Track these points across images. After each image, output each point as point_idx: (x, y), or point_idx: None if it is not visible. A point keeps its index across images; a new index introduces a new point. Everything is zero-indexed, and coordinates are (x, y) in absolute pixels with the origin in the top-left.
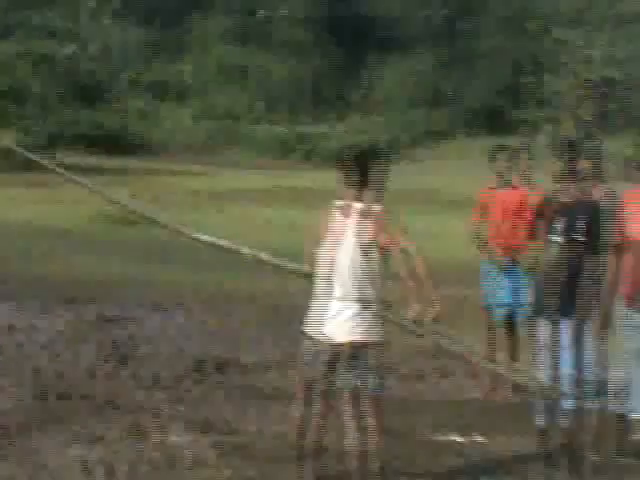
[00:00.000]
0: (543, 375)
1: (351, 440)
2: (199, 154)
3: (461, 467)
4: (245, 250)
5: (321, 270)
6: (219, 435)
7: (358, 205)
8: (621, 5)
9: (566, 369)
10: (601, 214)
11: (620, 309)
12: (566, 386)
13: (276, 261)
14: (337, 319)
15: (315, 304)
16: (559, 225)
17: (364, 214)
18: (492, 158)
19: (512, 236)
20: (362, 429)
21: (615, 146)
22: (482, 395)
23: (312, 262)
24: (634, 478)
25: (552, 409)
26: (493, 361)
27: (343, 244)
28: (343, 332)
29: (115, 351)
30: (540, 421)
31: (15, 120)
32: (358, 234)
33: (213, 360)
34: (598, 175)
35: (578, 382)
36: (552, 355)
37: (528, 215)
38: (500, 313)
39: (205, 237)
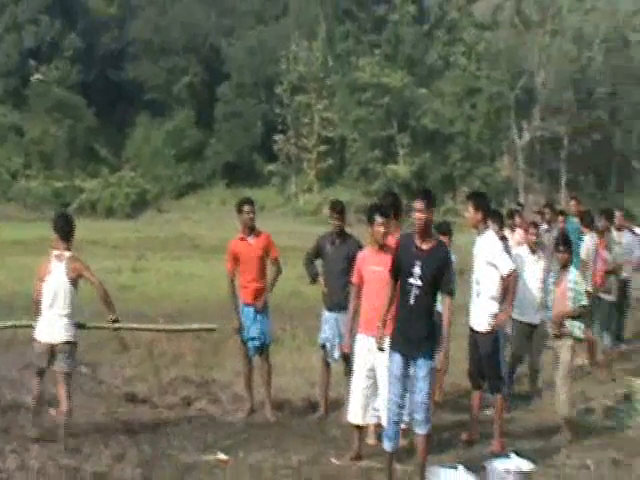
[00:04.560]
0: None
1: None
2: None
3: None
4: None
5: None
6: (1, 474)
7: (56, 252)
8: (352, 75)
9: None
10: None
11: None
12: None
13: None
14: (46, 326)
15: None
16: (416, 269)
17: (59, 258)
18: (239, 210)
19: (254, 280)
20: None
21: (347, 195)
22: (245, 416)
23: (39, 293)
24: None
25: None
26: (250, 384)
27: (50, 277)
28: (48, 334)
29: None
30: None
31: None
32: (58, 271)
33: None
34: None
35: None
36: (401, 386)
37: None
38: (251, 345)
39: None
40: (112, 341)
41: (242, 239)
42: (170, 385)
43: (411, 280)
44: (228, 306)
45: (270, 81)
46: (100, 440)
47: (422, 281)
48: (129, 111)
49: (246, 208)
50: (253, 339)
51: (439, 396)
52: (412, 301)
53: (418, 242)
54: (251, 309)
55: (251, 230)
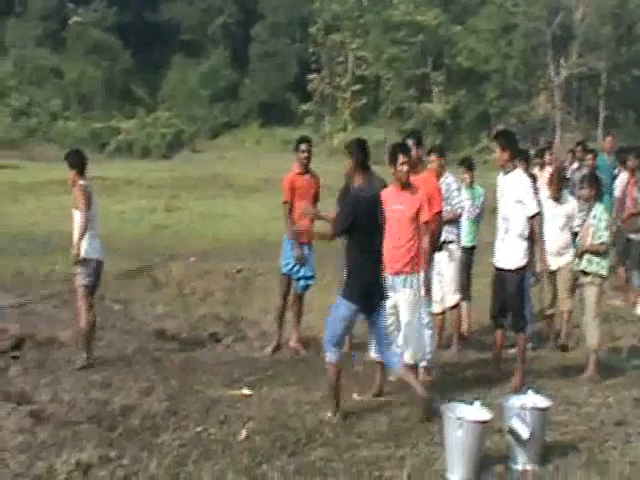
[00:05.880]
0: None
1: None
2: (17, 149)
3: (251, 415)
4: None
5: None
6: (35, 405)
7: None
8: (387, 14)
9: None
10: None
11: None
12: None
13: None
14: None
15: None
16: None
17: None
18: (296, 148)
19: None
20: None
21: (381, 134)
22: (271, 353)
23: None
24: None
25: None
26: (282, 320)
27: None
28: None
29: None
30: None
31: None
32: None
33: (30, 338)
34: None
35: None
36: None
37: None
38: (303, 284)
39: None
40: (144, 279)
41: (300, 174)
42: (199, 322)
43: None
44: (260, 245)
45: (304, 20)
46: (130, 375)
47: None
48: (165, 52)
49: (303, 147)
50: (306, 278)
51: (467, 331)
52: None
53: None
54: (305, 247)
55: (306, 169)
